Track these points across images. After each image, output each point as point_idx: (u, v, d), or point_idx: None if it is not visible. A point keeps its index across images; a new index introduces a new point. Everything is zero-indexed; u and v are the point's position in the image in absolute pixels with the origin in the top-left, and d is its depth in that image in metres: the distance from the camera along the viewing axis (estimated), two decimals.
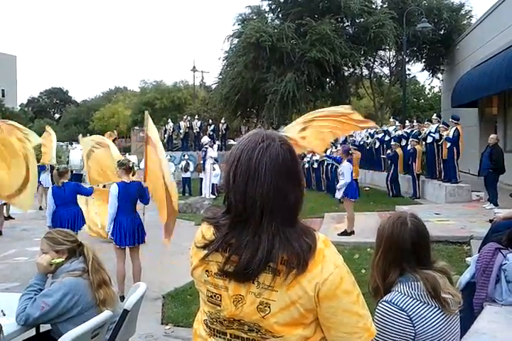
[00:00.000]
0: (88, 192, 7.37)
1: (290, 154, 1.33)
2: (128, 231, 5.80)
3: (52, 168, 10.42)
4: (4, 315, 3.04)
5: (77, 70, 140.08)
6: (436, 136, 12.37)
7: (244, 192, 1.28)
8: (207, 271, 1.37)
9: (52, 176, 7.62)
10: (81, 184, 8.37)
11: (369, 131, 17.64)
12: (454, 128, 11.71)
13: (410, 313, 1.94)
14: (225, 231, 1.32)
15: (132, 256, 5.98)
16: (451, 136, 11.64)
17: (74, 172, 18.55)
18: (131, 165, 6.02)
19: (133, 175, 6.05)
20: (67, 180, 7.10)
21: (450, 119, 12.02)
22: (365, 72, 25.67)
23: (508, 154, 13.42)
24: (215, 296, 1.36)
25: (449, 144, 11.72)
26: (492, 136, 10.71)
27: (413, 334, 1.92)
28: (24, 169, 6.33)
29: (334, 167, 13.61)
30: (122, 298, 4.44)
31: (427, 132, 13.11)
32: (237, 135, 29.56)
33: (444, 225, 8.60)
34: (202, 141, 16.65)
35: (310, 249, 1.27)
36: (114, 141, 7.29)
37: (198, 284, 1.43)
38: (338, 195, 9.06)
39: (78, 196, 7.18)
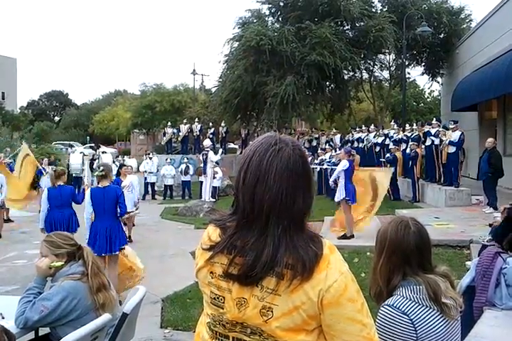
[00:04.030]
0: (79, 201, 7.12)
1: (302, 159, 1.34)
2: (104, 239, 5.59)
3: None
4: (3, 318, 3.04)
5: (77, 73, 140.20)
6: (436, 140, 12.36)
7: (252, 193, 1.29)
8: (211, 272, 1.36)
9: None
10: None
11: (370, 135, 17.74)
12: (459, 133, 11.67)
13: (412, 317, 1.93)
14: (231, 232, 1.32)
15: (109, 264, 5.66)
16: (456, 139, 11.59)
17: (74, 175, 18.60)
18: (103, 173, 5.77)
19: (111, 181, 5.86)
20: (63, 183, 7.09)
21: (451, 125, 11.97)
22: (365, 75, 25.67)
23: (508, 158, 13.44)
24: (218, 298, 1.36)
25: (454, 149, 11.66)
26: (489, 139, 10.72)
27: (415, 338, 1.92)
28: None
29: (332, 170, 13.61)
30: None
31: (425, 130, 13.11)
32: (236, 138, 29.55)
33: (443, 229, 8.60)
34: (204, 144, 16.64)
35: (316, 256, 1.27)
36: None
37: (202, 286, 1.43)
38: (337, 197, 8.99)
39: None
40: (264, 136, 1.38)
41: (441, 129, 12.42)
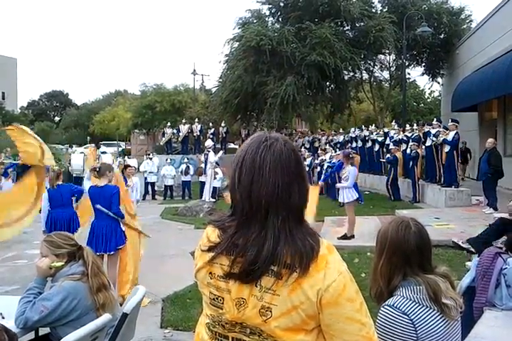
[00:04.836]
0: (81, 190, 7.04)
1: (293, 153, 1.35)
2: (102, 237, 5.59)
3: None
4: (3, 318, 3.04)
5: (78, 73, 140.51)
6: (434, 139, 12.37)
7: (249, 190, 1.30)
8: (210, 273, 1.37)
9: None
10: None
11: (364, 133, 17.83)
12: (454, 132, 11.70)
13: (412, 317, 1.93)
14: (232, 232, 1.33)
15: (108, 263, 5.65)
16: (450, 138, 11.61)
17: (75, 175, 18.59)
18: (96, 169, 5.77)
19: (109, 182, 5.79)
20: (61, 182, 7.08)
21: (450, 123, 11.97)
22: (365, 76, 25.72)
23: (508, 158, 13.45)
24: (217, 299, 1.37)
25: (448, 148, 11.69)
26: (489, 140, 10.72)
27: (415, 338, 1.92)
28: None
29: (334, 171, 13.59)
30: None
31: (425, 130, 13.11)
32: (237, 138, 29.56)
33: (443, 229, 8.60)
34: (206, 144, 16.66)
35: (313, 250, 1.28)
36: None
37: (201, 286, 1.44)
38: (346, 198, 8.89)
39: None
40: (254, 135, 1.40)
41: (441, 129, 12.42)
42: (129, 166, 9.66)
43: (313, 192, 8.23)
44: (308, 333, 1.31)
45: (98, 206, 5.61)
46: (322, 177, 13.80)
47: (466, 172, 17.44)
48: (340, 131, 22.33)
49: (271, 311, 1.28)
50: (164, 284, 6.25)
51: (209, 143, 16.30)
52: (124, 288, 5.63)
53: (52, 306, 2.81)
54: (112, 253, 5.70)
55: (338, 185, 9.06)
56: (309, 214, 7.91)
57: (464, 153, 16.90)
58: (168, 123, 24.85)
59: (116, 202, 5.72)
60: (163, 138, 24.08)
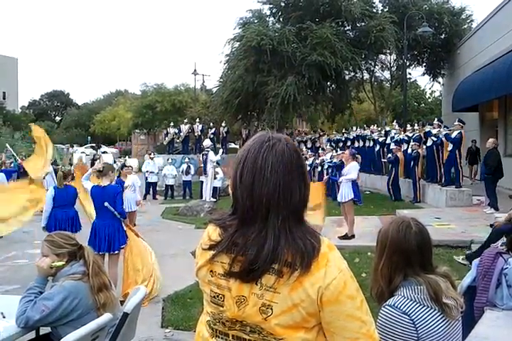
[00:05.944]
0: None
1: (295, 153, 1.36)
2: (105, 237, 5.61)
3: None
4: (4, 317, 3.04)
5: (79, 73, 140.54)
6: (438, 139, 12.36)
7: (251, 189, 1.31)
8: (211, 271, 1.38)
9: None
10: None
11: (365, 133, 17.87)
12: (457, 131, 11.68)
13: (413, 317, 1.93)
14: (233, 230, 1.33)
15: (109, 263, 5.70)
16: (453, 136, 11.59)
17: (75, 175, 18.59)
18: (100, 169, 5.80)
19: (111, 182, 5.82)
20: (68, 183, 7.10)
21: (456, 123, 11.94)
22: (366, 76, 25.73)
23: (509, 158, 13.43)
24: (218, 296, 1.37)
25: (451, 146, 11.65)
26: (490, 140, 10.68)
27: (416, 338, 1.92)
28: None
29: (334, 171, 13.58)
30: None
31: (426, 130, 13.12)
32: (237, 138, 29.55)
33: (444, 229, 8.59)
34: (204, 144, 16.69)
35: (314, 249, 1.28)
36: None
37: (202, 284, 1.44)
38: (343, 198, 8.88)
39: None
40: (257, 135, 1.41)
41: (442, 129, 12.40)
42: (126, 166, 9.68)
43: (318, 190, 8.31)
44: (308, 331, 1.31)
45: (106, 204, 5.63)
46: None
47: (475, 173, 16.99)
48: (343, 131, 22.36)
49: (271, 309, 1.28)
50: (165, 284, 6.24)
51: (207, 143, 16.35)
52: (130, 287, 5.61)
53: (53, 306, 2.81)
54: (116, 252, 5.73)
55: (342, 177, 8.88)
56: (319, 215, 8.10)
57: (473, 153, 16.65)
58: (171, 123, 24.90)
59: (120, 202, 5.76)
60: (167, 138, 24.18)
